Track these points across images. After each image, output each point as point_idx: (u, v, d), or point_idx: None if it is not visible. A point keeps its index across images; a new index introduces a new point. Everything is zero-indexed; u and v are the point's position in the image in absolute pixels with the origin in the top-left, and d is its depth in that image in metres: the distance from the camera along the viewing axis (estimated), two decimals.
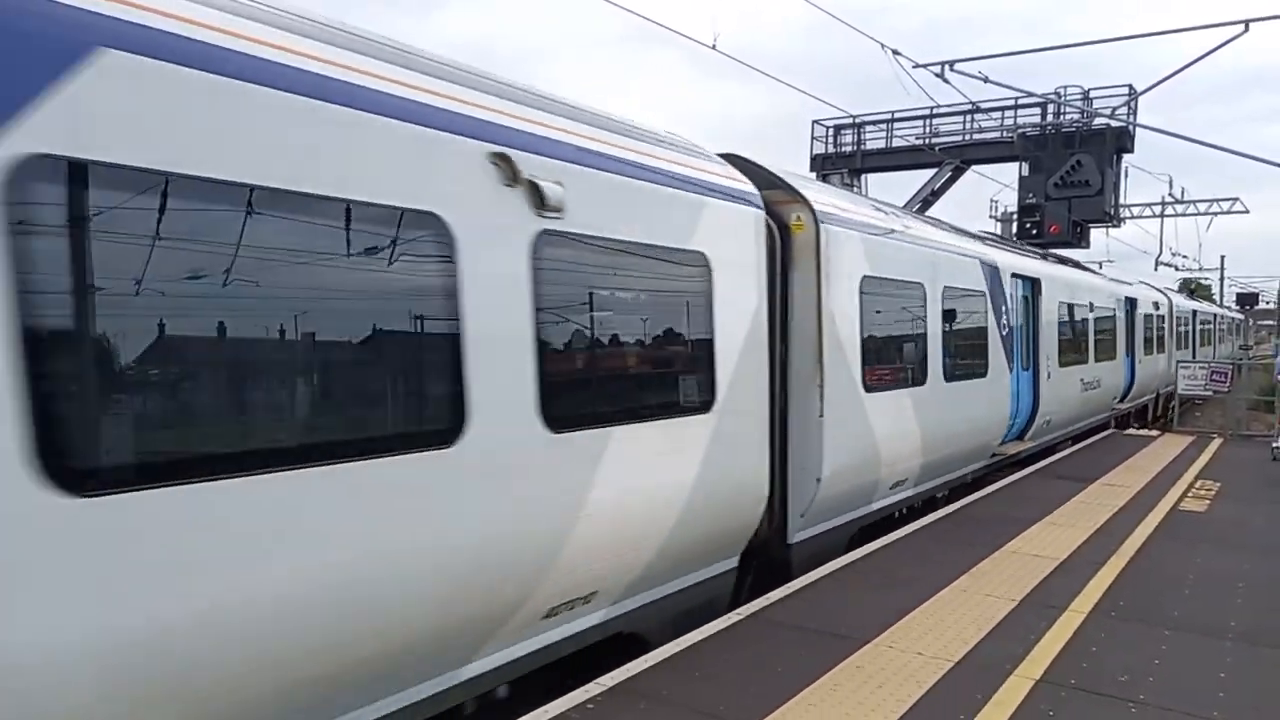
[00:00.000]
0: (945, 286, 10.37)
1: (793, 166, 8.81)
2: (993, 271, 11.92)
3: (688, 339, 6.28)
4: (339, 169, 3.93)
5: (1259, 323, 73.18)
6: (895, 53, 13.02)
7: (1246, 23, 12.44)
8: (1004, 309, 12.22)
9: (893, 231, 9.40)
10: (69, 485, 3.03)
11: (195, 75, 3.42)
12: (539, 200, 4.86)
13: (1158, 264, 37.54)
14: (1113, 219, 26.91)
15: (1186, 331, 31.47)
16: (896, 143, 28.68)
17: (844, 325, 8.06)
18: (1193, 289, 51.52)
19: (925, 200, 27.43)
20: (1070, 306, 15.71)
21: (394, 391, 4.39)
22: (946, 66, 13.74)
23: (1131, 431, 19.08)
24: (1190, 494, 11.05)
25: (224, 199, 3.53)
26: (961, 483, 11.48)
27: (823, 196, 8.25)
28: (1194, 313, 34.30)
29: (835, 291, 7.87)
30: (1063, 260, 18.30)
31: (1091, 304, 17.13)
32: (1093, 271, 19.88)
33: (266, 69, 3.70)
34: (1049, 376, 14.21)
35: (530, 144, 4.95)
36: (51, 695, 3.05)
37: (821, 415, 7.72)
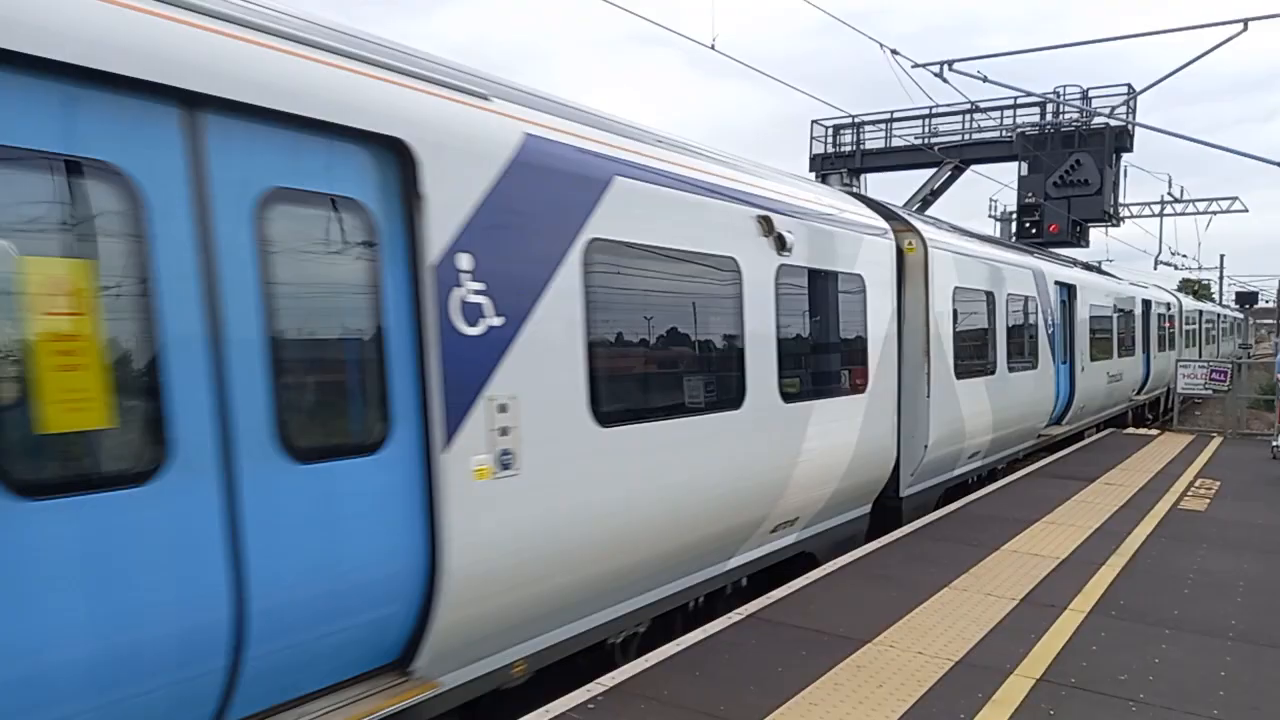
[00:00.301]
0: (1009, 294, 12.55)
1: (792, 166, 10.59)
2: (1040, 280, 14.02)
3: (855, 338, 8.56)
4: (697, 232, 6.31)
5: (1258, 321, 73.19)
6: (894, 52, 13.02)
7: (1245, 21, 12.45)
8: (1049, 312, 14.30)
9: (973, 251, 11.64)
10: (602, 423, 5.44)
11: (645, 186, 5.88)
12: (781, 244, 7.15)
13: (1157, 263, 37.61)
14: (1112, 218, 26.97)
15: (1194, 330, 33.57)
16: (896, 142, 28.73)
17: (942, 325, 10.23)
18: (1195, 290, 51.58)
19: (924, 200, 27.48)
20: (1098, 308, 17.64)
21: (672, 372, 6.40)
22: (945, 66, 13.74)
23: (1131, 430, 19.09)
24: (1190, 493, 11.05)
25: (659, 255, 6.01)
26: (1014, 458, 13.69)
27: (927, 226, 10.61)
28: (1200, 313, 36.35)
29: (936, 299, 10.05)
30: (1088, 266, 20.11)
31: (1114, 306, 19.08)
32: (1113, 276, 21.34)
33: (667, 176, 6.13)
34: (1083, 370, 16.25)
35: (776, 207, 7.23)
36: (645, 522, 5.84)
37: (928, 395, 9.89)
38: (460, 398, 4.50)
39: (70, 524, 3.16)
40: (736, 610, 6.45)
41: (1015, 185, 26.94)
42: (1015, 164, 26.93)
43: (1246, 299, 48.52)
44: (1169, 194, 34.41)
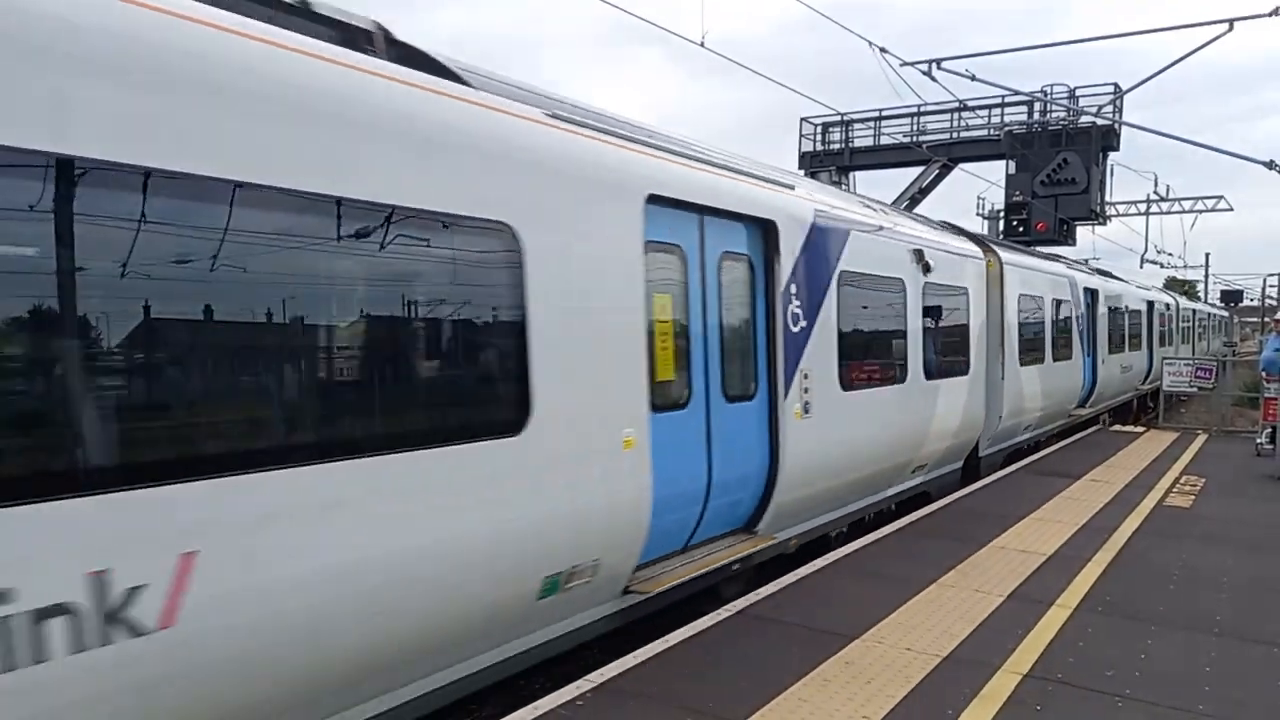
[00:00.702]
0: (1054, 299, 15.61)
1: (781, 163, 11.56)
2: (1074, 286, 17.13)
3: (964, 334, 11.59)
4: (885, 263, 9.35)
5: (1243, 320, 73.70)
6: (883, 50, 13.03)
7: (1231, 22, 12.51)
8: (1080, 313, 17.41)
9: (1030, 265, 14.96)
10: (843, 389, 8.30)
11: (864, 236, 8.82)
12: (926, 269, 10.15)
13: (1143, 261, 37.84)
14: (1099, 216, 27.08)
15: (1188, 328, 36.61)
16: (884, 140, 28.75)
17: (1011, 323, 13.31)
18: (1185, 290, 51.91)
19: (913, 198, 27.52)
20: (1115, 309, 20.72)
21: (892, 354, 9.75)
22: (934, 65, 13.77)
23: (1117, 428, 19.19)
24: (1175, 490, 11.12)
25: (870, 280, 8.90)
26: (1050, 434, 16.33)
27: (1001, 249, 13.89)
28: (1193, 312, 39.32)
29: (1008, 304, 13.16)
30: (1103, 271, 22.93)
31: (1126, 307, 22.16)
32: (1120, 279, 24.07)
33: (873, 228, 9.21)
34: (1103, 362, 19.11)
35: (923, 244, 10.34)
36: (862, 453, 8.77)
37: (1002, 378, 12.88)
38: (790, 369, 7.50)
39: (676, 425, 6.39)
40: (725, 606, 6.45)
41: (1003, 183, 27.02)
42: (1003, 162, 27.00)
43: (1232, 297, 48.85)
44: (1155, 193, 34.65)
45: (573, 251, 5.35)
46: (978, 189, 38.68)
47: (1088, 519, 9.34)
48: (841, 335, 8.30)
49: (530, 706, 4.77)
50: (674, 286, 6.34)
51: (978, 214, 33.44)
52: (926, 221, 12.36)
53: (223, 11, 3.80)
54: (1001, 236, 25.26)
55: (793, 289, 7.50)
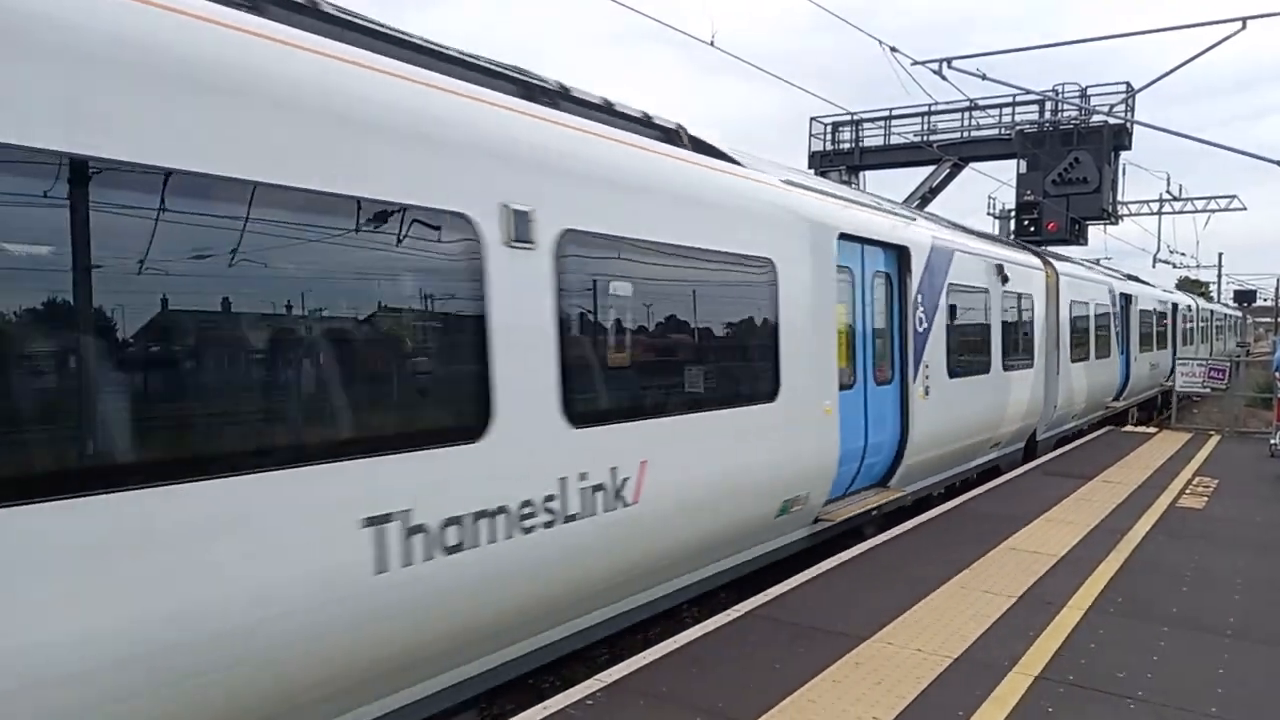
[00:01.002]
0: (1096, 303, 17.88)
1: (791, 162, 11.92)
2: (1112, 293, 19.46)
3: (1031, 334, 13.88)
4: (976, 275, 11.66)
5: (1256, 320, 73.17)
6: (893, 49, 13.00)
7: (1244, 20, 12.43)
8: (1117, 316, 19.61)
9: (1081, 275, 17.38)
10: (950, 376, 10.79)
11: (962, 255, 11.31)
12: (1004, 280, 12.49)
13: (1155, 261, 37.58)
14: (1110, 216, 26.92)
15: (1205, 328, 38.90)
16: (894, 140, 28.66)
17: (1064, 325, 15.50)
18: (1203, 291, 51.67)
19: (923, 198, 27.44)
20: (1146, 311, 23.03)
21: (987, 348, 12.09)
22: (945, 64, 13.72)
23: (1130, 428, 19.10)
24: (1188, 491, 11.06)
25: (967, 289, 11.37)
26: (1090, 423, 18.57)
27: (1057, 260, 16.44)
28: (1210, 313, 41.71)
29: (1062, 309, 15.39)
30: (1132, 276, 25.08)
31: (1155, 310, 24.54)
32: (1148, 284, 26.53)
33: (968, 250, 11.58)
34: (1135, 359, 21.25)
35: (1001, 259, 12.66)
36: (963, 429, 11.32)
37: (1058, 373, 15.11)
38: (917, 360, 9.77)
39: (849, 401, 8.65)
40: (735, 607, 6.45)
41: (1014, 183, 26.90)
42: (1014, 162, 26.88)
43: (1245, 297, 48.51)
44: (1167, 192, 34.40)
45: (803, 275, 7.62)
46: (988, 188, 38.57)
47: (1100, 520, 9.30)
48: (949, 334, 10.73)
49: (540, 705, 4.78)
50: (846, 298, 8.71)
51: (988, 213, 33.26)
52: (1002, 241, 15.92)
53: (618, 131, 6.07)
54: (1012, 236, 25.16)
55: (919, 298, 9.93)
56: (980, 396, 11.74)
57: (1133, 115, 23.83)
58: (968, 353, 11.36)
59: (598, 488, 5.39)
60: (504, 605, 4.84)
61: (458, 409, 4.60)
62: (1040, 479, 11.97)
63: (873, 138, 29.31)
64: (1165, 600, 6.64)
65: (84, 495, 3.14)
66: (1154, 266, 37.60)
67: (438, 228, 4.50)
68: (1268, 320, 68.60)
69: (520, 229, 4.92)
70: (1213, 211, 35.45)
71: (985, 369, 11.97)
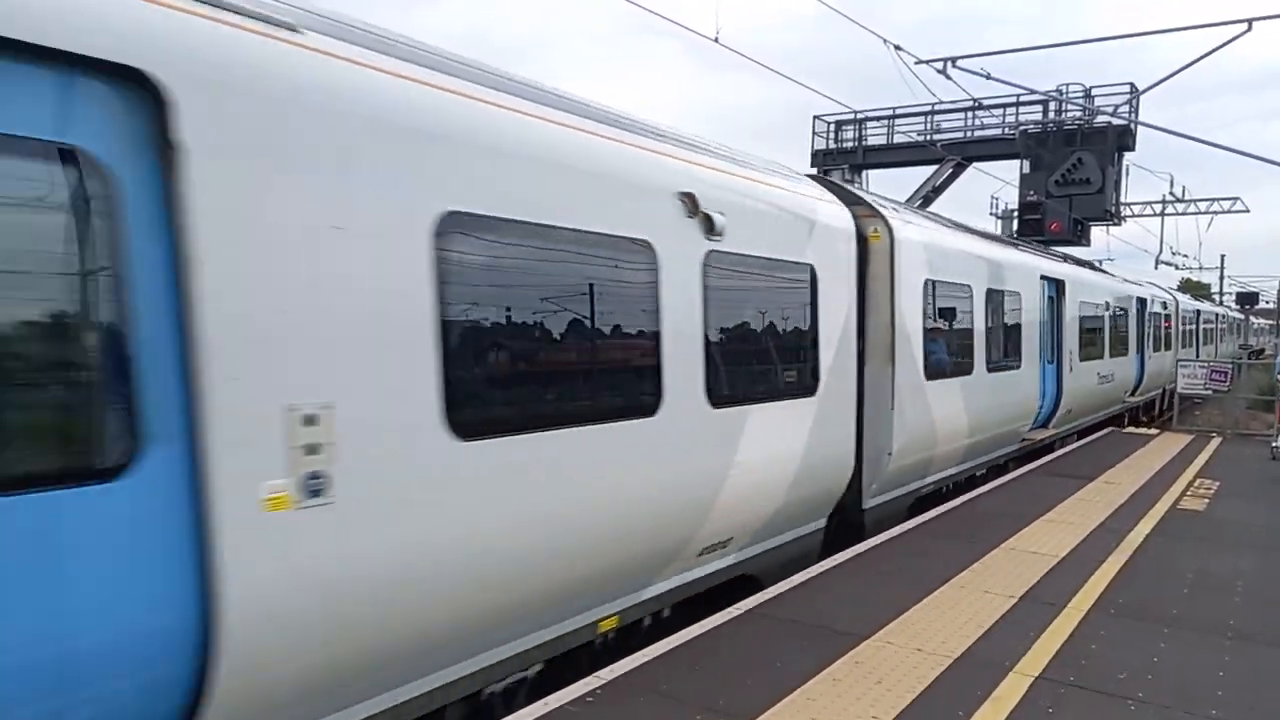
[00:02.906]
0: (1116, 305, 19.37)
1: (793, 161, 13.69)
2: (1126, 298, 20.85)
3: (1126, 330, 19.68)
4: (1014, 280, 13.10)
5: (1260, 322, 73.04)
6: (897, 48, 12.98)
7: (1250, 21, 12.40)
8: (1134, 318, 21.28)
9: (1097, 284, 18.40)
10: (989, 371, 11.96)
11: (1082, 284, 16.77)
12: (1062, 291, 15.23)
13: (1158, 263, 37.52)
14: (1113, 217, 26.90)
15: (1213, 330, 41.53)
16: (898, 139, 28.64)
17: (1070, 329, 16.24)
18: (1207, 294, 51.63)
19: (926, 197, 27.40)
20: (1155, 314, 24.73)
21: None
22: (949, 63, 13.70)
23: (1131, 430, 19.08)
24: (1189, 493, 11.05)
25: (1004, 295, 12.85)
26: (1110, 416, 20.17)
27: (1066, 268, 16.93)
28: (1218, 315, 44.31)
29: (1068, 312, 15.89)
30: (1085, 263, 25.78)
31: (1164, 313, 26.38)
32: (1159, 286, 28.74)
33: (1011, 264, 13.22)
34: (1150, 358, 22.98)
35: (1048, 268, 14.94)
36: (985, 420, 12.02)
37: (1065, 371, 15.88)
38: (1069, 349, 15.80)
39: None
40: (735, 605, 6.44)
41: (1017, 183, 26.88)
42: (1017, 162, 26.86)
43: (1247, 299, 48.45)
44: (1170, 193, 34.35)
45: (838, 281, 8.09)
46: (991, 188, 38.54)
47: (1101, 521, 9.29)
48: (1080, 331, 15.69)
49: (540, 702, 4.78)
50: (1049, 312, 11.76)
51: (991, 213, 33.29)
52: (1030, 245, 17.24)
53: (746, 169, 7.14)
54: (1015, 236, 25.13)
55: (1068, 307, 15.20)
56: (1098, 377, 17.45)
57: (1136, 116, 23.79)
58: (1090, 345, 16.66)
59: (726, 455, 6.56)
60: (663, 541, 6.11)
61: (643, 391, 5.76)
62: (1041, 480, 11.96)
63: (876, 136, 29.29)
64: (1166, 602, 6.63)
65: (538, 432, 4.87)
66: (1156, 268, 37.54)
67: (635, 252, 5.63)
68: (1269, 322, 68.56)
69: None
70: (1216, 213, 35.40)
71: (1104, 355, 17.91)
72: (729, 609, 6.35)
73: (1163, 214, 35.48)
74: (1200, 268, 49.01)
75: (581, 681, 5.06)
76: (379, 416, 4.01)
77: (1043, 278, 14.65)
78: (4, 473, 2.94)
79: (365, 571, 3.96)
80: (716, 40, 10.87)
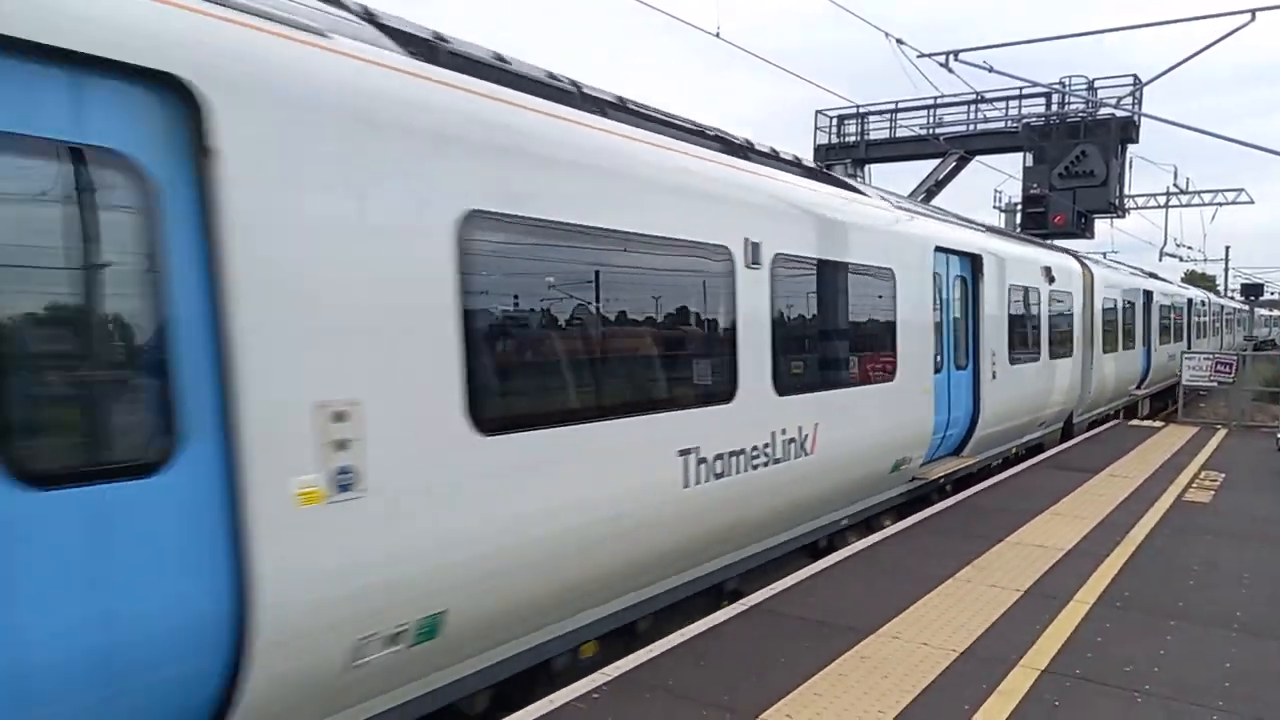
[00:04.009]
0: (1127, 300, 20.03)
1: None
2: (1137, 295, 21.58)
3: (1070, 326, 16.69)
4: (1029, 277, 13.63)
5: (1266, 313, 72.74)
6: (899, 42, 12.95)
7: (1253, 12, 12.35)
8: (1141, 313, 21.91)
9: (1118, 283, 19.68)
10: (1052, 357, 14.53)
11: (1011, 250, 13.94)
12: (1051, 280, 14.41)
13: (1162, 255, 37.43)
14: (1117, 209, 26.84)
15: (1214, 322, 40.71)
16: (900, 133, 28.58)
17: (1097, 325, 17.33)
18: (1211, 286, 51.46)
19: (929, 191, 27.34)
20: (1166, 308, 25.45)
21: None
22: (951, 56, 13.66)
23: (1136, 422, 19.06)
24: (1195, 485, 11.03)
25: (1123, 302, 19.67)
26: (1124, 405, 21.42)
27: (1090, 263, 17.87)
28: (1221, 307, 43.60)
29: (1097, 310, 17.25)
30: (1154, 275, 27.30)
31: (1173, 310, 27.21)
32: (1168, 281, 29.43)
33: (1024, 261, 13.97)
34: (1155, 350, 23.48)
35: (1049, 262, 14.57)
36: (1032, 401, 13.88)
37: (1089, 365, 16.91)
38: (1097, 341, 17.31)
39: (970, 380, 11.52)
40: (741, 600, 6.45)
41: (1020, 176, 26.81)
42: (1020, 155, 26.79)
43: (1252, 291, 48.24)
44: (1174, 185, 34.25)
45: (911, 281, 9.31)
46: (994, 181, 38.36)
47: (1106, 514, 9.28)
48: (1104, 325, 17.00)
49: (547, 699, 4.79)
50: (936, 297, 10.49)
51: (994, 206, 33.18)
52: (1045, 244, 17.51)
53: (797, 177, 8.09)
54: (1019, 230, 25.09)
55: (1096, 305, 16.59)
56: (1121, 367, 17.61)
57: (1140, 108, 23.71)
58: (1113, 339, 16.67)
59: (791, 440, 7.18)
60: (741, 518, 6.74)
61: (721, 380, 6.46)
62: (1046, 473, 11.95)
63: (878, 130, 29.23)
64: (1172, 594, 6.63)
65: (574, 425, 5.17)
66: (1160, 260, 37.44)
67: (713, 257, 6.36)
68: (1273, 313, 68.34)
69: (753, 255, 6.76)
70: (1220, 205, 35.33)
71: (1126, 348, 17.81)
72: (734, 604, 6.36)
73: (1166, 206, 35.38)
74: (1205, 259, 48.89)
75: (588, 678, 5.08)
76: (409, 413, 4.14)
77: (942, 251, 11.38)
78: (50, 468, 3.04)
79: (395, 559, 4.05)
80: (717, 35, 10.86)
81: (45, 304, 3.16)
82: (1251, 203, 34.87)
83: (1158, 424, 18.29)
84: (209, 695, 3.49)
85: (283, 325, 3.59)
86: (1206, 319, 34.94)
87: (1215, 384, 18.90)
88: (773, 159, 8.12)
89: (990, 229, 14.02)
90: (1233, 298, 54.78)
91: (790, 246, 7.25)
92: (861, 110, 29.01)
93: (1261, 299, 54.82)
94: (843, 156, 28.84)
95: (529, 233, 4.93)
